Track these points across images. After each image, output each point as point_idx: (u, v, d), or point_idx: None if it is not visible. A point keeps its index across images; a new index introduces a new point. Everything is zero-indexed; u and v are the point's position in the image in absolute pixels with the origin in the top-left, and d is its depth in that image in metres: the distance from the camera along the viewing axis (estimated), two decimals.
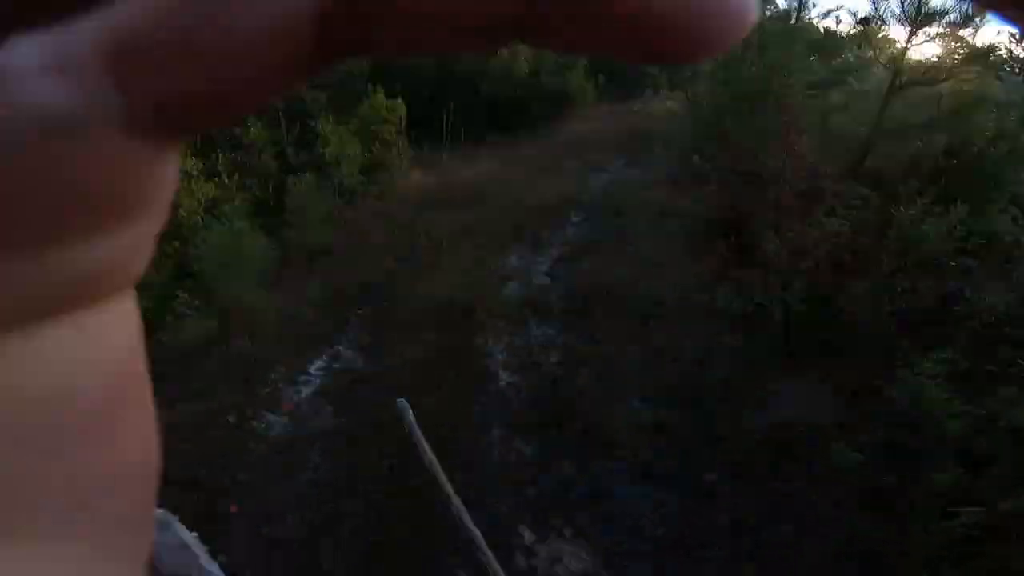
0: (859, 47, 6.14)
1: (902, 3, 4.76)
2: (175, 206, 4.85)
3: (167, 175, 0.11)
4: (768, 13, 6.70)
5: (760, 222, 4.59)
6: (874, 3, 5.12)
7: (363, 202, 6.90)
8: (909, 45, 4.87)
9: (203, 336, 4.35)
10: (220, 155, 5.35)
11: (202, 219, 4.85)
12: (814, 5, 7.14)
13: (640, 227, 6.61)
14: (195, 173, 4.86)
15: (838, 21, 5.70)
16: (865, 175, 4.75)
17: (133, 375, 0.12)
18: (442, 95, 11.14)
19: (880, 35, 6.27)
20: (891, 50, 5.26)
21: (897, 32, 5.35)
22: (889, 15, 5.08)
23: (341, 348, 4.92)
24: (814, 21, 7.09)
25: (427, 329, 5.04)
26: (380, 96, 8.47)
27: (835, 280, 4.04)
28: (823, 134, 4.71)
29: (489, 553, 2.11)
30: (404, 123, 8.75)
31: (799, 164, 4.57)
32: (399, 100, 8.61)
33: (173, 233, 4.55)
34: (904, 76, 4.80)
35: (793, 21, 6.62)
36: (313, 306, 5.24)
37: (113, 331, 0.12)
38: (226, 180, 5.19)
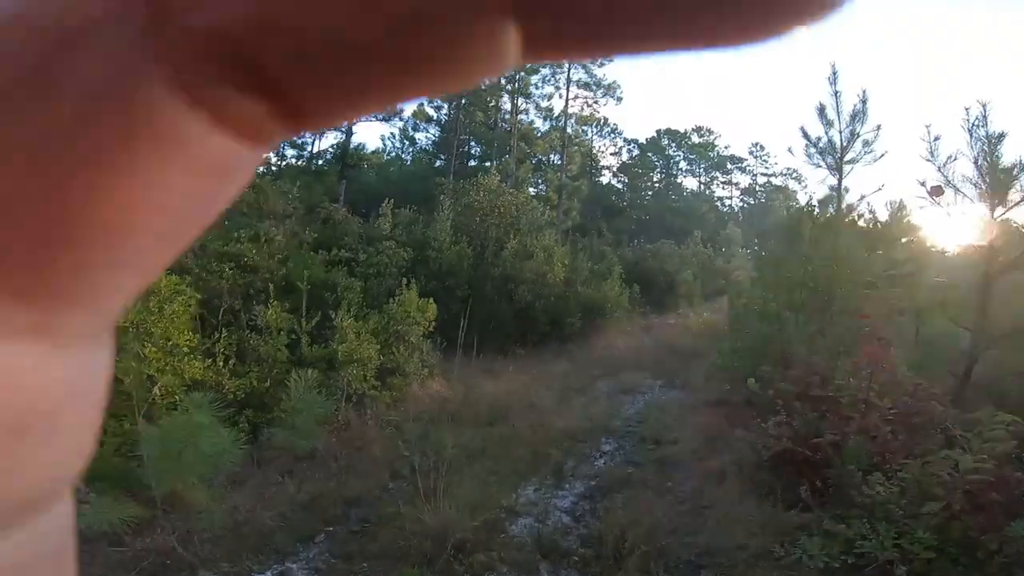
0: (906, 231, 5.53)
1: (976, 164, 4.05)
2: (153, 382, 4.21)
3: (86, 379, 0.12)
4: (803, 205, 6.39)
5: (850, 458, 3.66)
6: (940, 169, 4.44)
7: (372, 408, 6.24)
8: (995, 217, 4.01)
9: (121, 523, 3.41)
10: (223, 334, 4.93)
11: (178, 401, 4.21)
12: (847, 190, 6.71)
13: (684, 461, 5.61)
14: (187, 350, 4.37)
15: (871, 209, 5.10)
16: (977, 391, 3.84)
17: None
18: (476, 297, 11.25)
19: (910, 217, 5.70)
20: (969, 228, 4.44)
21: (965, 205, 4.42)
22: (961, 181, 4.25)
23: (294, 567, 3.82)
24: (856, 210, 6.71)
25: (408, 563, 3.94)
26: (413, 294, 8.39)
27: (978, 521, 3.01)
28: (914, 341, 3.92)
29: None
30: (432, 325, 8.51)
31: (891, 384, 3.79)
32: (431, 300, 8.49)
33: (128, 406, 3.88)
34: (999, 259, 3.94)
35: (835, 209, 6.21)
36: (278, 515, 4.26)
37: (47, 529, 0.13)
38: (220, 364, 4.67)
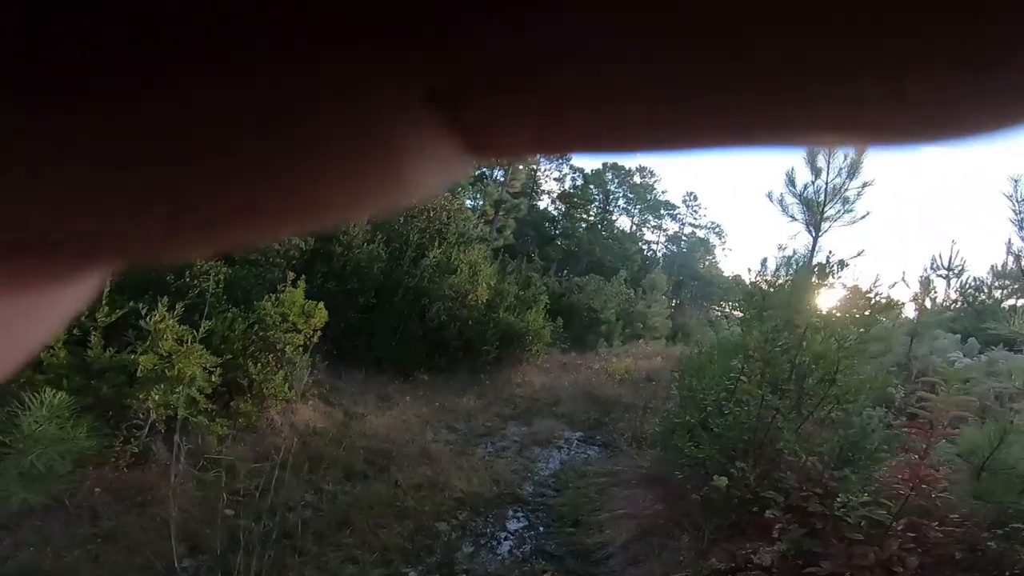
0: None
1: None
2: None
3: None
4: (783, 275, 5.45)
5: None
6: None
7: (196, 443, 4.47)
8: None
9: None
10: None
11: None
12: (818, 251, 5.99)
13: (614, 561, 4.31)
14: None
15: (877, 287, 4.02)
16: None
17: None
18: (382, 308, 9.59)
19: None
20: None
21: None
22: None
23: None
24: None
25: None
26: (299, 293, 6.65)
27: None
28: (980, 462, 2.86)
29: None
30: (318, 335, 6.80)
31: (929, 508, 2.70)
32: (320, 304, 6.78)
33: None
34: None
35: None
36: None
37: None
38: None
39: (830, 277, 3.65)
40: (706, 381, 4.56)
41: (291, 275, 6.92)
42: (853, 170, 6.05)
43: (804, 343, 3.72)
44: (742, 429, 3.61)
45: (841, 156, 6.38)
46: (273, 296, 6.42)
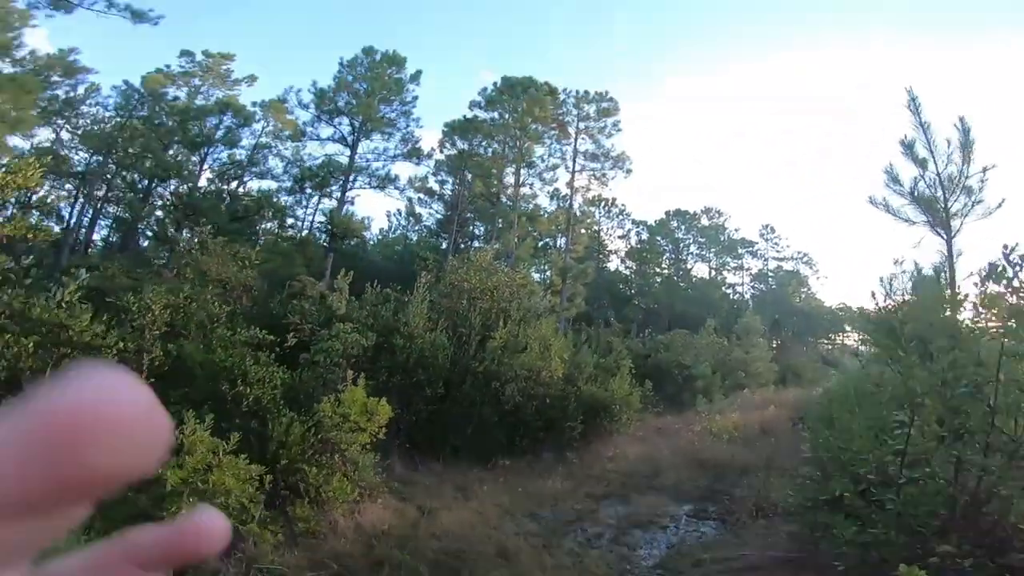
0: None
1: None
2: None
3: None
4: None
5: None
6: None
7: (250, 551, 4.11)
8: None
9: None
10: None
11: None
12: (959, 254, 4.94)
13: None
14: None
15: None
16: None
17: None
18: (453, 397, 9.19)
19: None
20: None
21: None
22: None
23: None
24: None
25: None
26: (359, 392, 6.40)
27: None
28: None
29: None
30: (384, 432, 6.44)
31: None
32: (382, 400, 6.46)
33: None
34: None
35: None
36: None
37: None
38: None
39: (1015, 280, 2.76)
40: (856, 443, 3.61)
41: (351, 373, 6.79)
42: (966, 153, 5.13)
43: (1001, 376, 2.79)
44: (934, 502, 2.69)
45: (944, 141, 5.42)
46: (333, 396, 6.22)
